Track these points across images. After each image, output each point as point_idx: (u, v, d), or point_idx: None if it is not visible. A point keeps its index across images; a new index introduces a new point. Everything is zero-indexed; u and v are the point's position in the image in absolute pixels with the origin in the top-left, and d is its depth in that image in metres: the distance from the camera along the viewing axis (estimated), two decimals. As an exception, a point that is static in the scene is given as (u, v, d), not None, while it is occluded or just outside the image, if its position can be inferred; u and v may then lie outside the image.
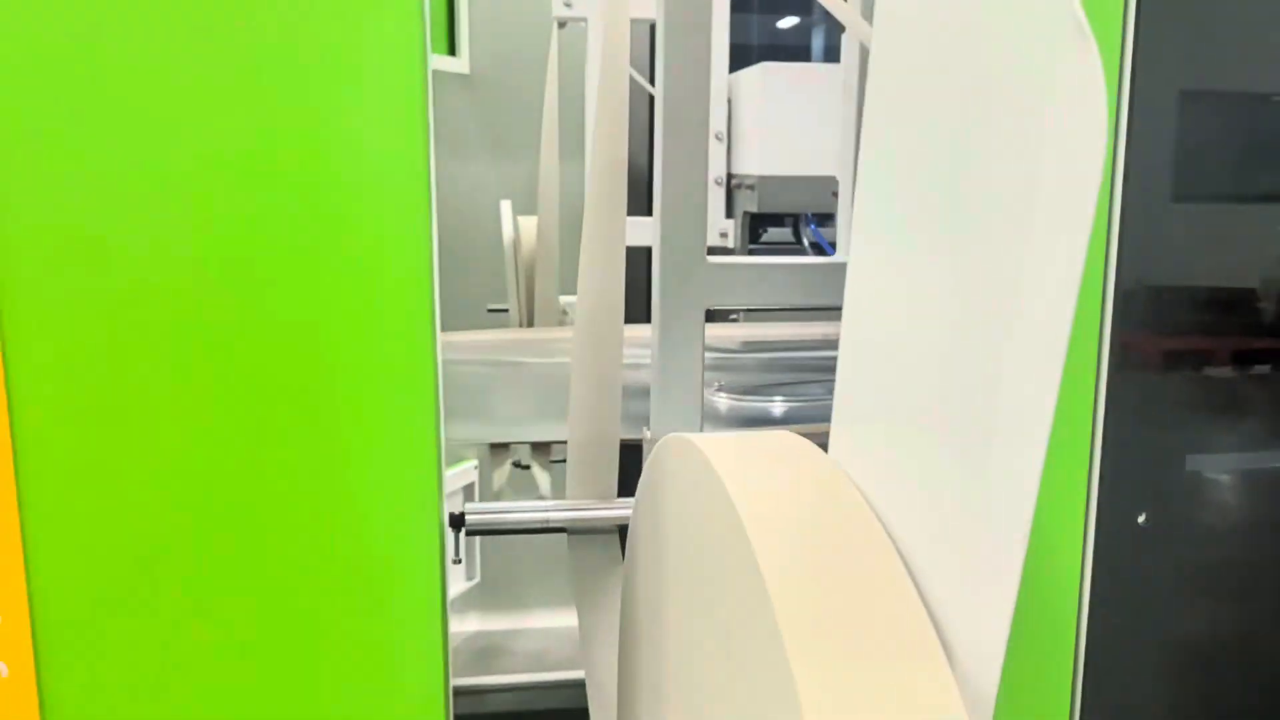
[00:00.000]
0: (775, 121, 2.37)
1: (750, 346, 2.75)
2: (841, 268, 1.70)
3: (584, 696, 2.61)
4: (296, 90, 0.65)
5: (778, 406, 2.53)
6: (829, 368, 2.36)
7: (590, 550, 1.43)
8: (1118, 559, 0.80)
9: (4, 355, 0.65)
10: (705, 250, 1.56)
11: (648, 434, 1.73)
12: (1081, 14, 0.39)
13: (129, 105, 0.65)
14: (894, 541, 0.56)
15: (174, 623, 0.70)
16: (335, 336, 0.68)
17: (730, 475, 0.58)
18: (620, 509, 1.44)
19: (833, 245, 2.67)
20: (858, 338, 0.58)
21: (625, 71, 1.33)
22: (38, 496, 0.67)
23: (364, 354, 0.68)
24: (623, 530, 1.48)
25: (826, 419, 2.22)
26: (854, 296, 0.58)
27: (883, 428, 0.56)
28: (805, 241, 2.61)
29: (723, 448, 0.62)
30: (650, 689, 0.81)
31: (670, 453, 0.71)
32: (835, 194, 1.78)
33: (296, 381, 0.68)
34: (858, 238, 0.57)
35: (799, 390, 2.55)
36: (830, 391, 2.23)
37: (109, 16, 0.64)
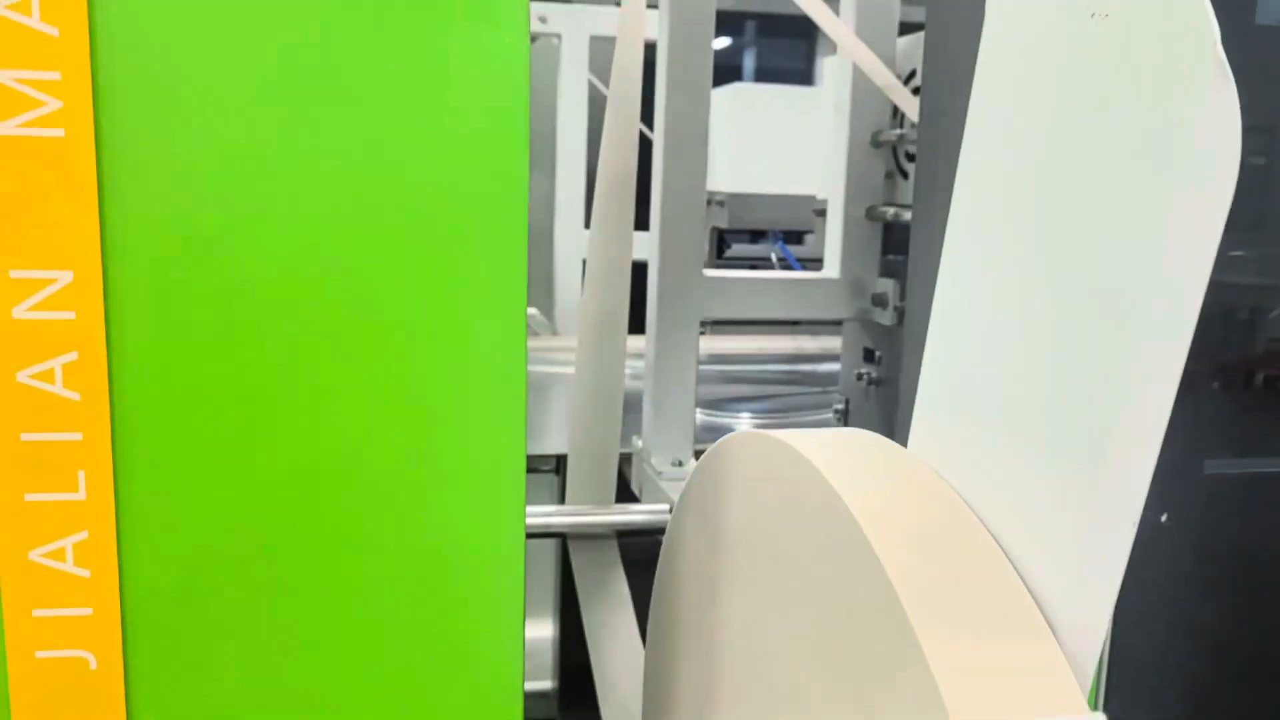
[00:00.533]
0: (748, 140, 2.43)
1: (716, 359, 2.81)
2: (832, 283, 1.76)
3: (538, 708, 2.62)
4: (397, 100, 0.68)
5: (744, 420, 2.59)
6: (792, 380, 2.40)
7: (592, 554, 1.46)
8: (1142, 555, 0.86)
9: (109, 349, 0.66)
10: (702, 263, 1.61)
11: (639, 444, 1.77)
12: (1223, 55, 0.45)
13: (238, 107, 0.67)
14: (988, 528, 0.60)
15: (258, 620, 0.71)
16: (426, 340, 0.70)
17: (831, 470, 0.62)
18: (620, 514, 1.47)
19: (800, 262, 2.73)
20: (949, 339, 0.62)
21: (637, 89, 1.37)
22: (134, 490, 0.68)
23: (454, 357, 0.70)
24: (620, 534, 1.51)
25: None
26: (946, 299, 0.62)
27: (976, 424, 0.60)
28: (773, 257, 2.68)
29: (811, 444, 0.66)
30: (698, 681, 0.84)
31: (740, 449, 0.75)
32: (819, 212, 1.84)
33: (388, 384, 0.70)
34: (952, 243, 0.61)
35: (762, 403, 2.61)
36: (793, 405, 2.26)
37: (217, 19, 0.66)
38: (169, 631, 0.70)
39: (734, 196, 2.51)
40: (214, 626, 0.71)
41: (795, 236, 3.04)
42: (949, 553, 0.57)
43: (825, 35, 1.52)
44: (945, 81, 0.95)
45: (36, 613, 0.67)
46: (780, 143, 2.41)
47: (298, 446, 0.70)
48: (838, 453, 0.65)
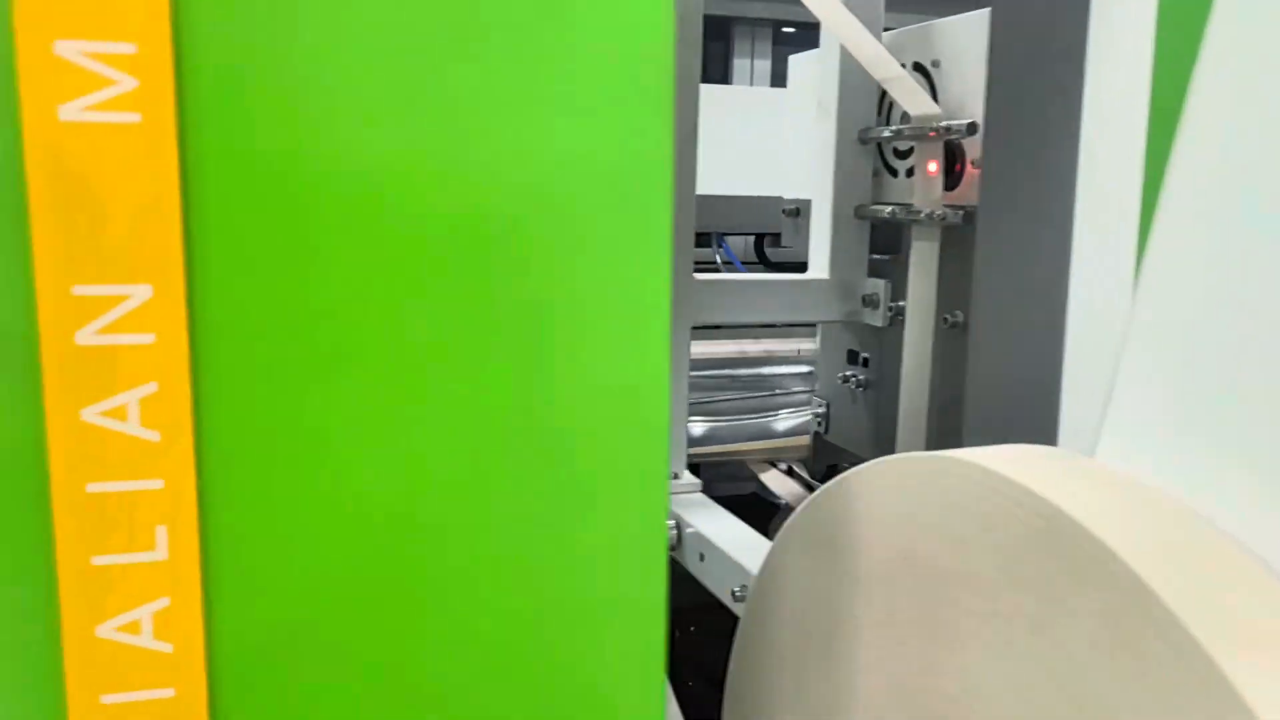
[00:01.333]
0: (706, 142, 2.37)
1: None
2: (821, 284, 1.72)
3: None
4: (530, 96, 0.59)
5: (697, 425, 2.53)
6: (740, 385, 2.32)
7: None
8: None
9: (195, 379, 0.55)
10: (692, 267, 1.54)
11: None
12: None
13: (357, 83, 0.57)
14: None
15: (373, 696, 0.62)
16: (562, 359, 0.62)
17: (1059, 496, 0.55)
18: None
19: (743, 263, 2.69)
20: (1174, 341, 0.56)
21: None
22: (226, 548, 0.57)
23: (594, 371, 0.62)
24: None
25: (747, 436, 2.18)
26: (1165, 295, 0.57)
27: (1228, 441, 0.55)
28: (718, 259, 2.63)
29: (1004, 463, 0.60)
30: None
31: (898, 475, 0.68)
32: (789, 212, 1.79)
33: (520, 406, 0.61)
34: (1173, 238, 0.56)
35: (713, 408, 2.56)
36: (745, 408, 2.20)
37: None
38: (265, 715, 0.59)
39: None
40: (319, 710, 0.60)
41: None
42: (1244, 597, 0.52)
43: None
44: (1016, 70, 0.90)
45: (106, 699, 0.56)
46: (741, 144, 2.36)
47: (421, 483, 0.60)
48: (1048, 477, 0.59)
